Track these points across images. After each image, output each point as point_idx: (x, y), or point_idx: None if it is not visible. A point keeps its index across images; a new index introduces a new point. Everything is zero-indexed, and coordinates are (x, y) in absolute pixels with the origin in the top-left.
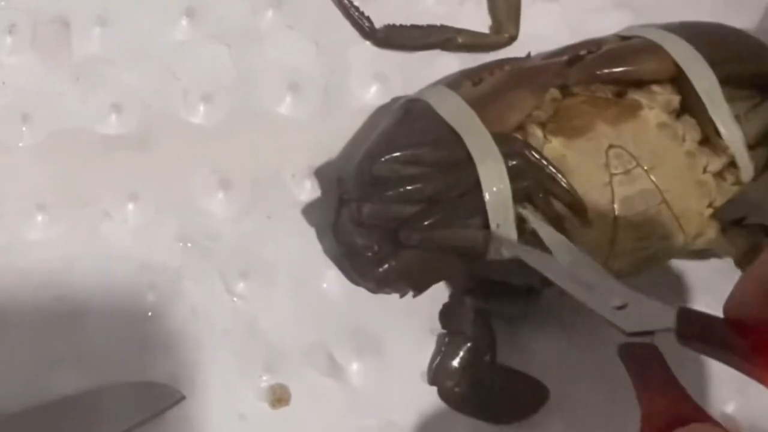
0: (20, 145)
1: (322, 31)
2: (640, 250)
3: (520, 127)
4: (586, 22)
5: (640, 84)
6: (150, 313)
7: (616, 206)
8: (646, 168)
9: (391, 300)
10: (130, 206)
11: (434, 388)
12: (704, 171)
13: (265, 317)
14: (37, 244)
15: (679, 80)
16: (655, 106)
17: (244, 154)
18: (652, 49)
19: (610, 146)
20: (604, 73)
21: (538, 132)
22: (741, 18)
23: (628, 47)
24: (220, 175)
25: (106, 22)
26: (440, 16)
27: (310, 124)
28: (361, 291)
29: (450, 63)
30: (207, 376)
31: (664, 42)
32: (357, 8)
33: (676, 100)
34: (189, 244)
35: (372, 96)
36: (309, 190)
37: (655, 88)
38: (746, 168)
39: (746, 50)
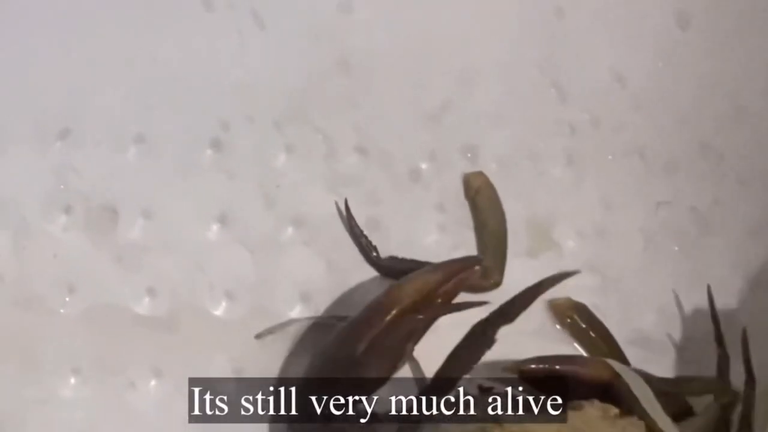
0: (61, 311)
1: (334, 251)
2: None
3: None
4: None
5: (579, 390)
6: None
7: None
8: None
9: None
10: (153, 381)
11: None
12: None
13: None
14: (69, 402)
15: (617, 389)
16: (594, 408)
17: (258, 348)
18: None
19: None
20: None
21: None
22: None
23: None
24: (235, 364)
25: (150, 216)
26: (437, 255)
27: (317, 331)
28: None
29: None
30: None
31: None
32: (366, 237)
33: (613, 409)
34: (204, 424)
35: None
36: None
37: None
38: None
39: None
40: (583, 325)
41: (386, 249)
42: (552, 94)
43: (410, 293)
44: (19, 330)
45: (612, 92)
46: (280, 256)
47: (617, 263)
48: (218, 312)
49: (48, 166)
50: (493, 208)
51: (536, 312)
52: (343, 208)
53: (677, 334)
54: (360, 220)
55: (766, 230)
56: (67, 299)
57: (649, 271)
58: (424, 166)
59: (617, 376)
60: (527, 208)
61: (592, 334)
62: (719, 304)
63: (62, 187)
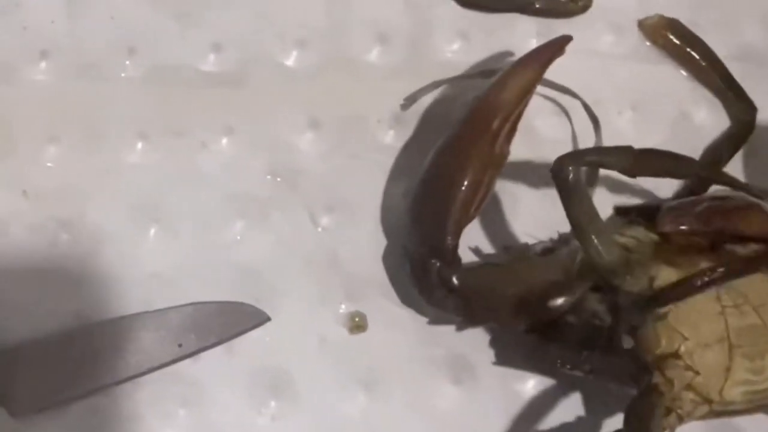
0: (122, 75)
1: None
2: (753, 384)
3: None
4: None
5: (740, 239)
6: (239, 237)
7: (729, 335)
8: (754, 306)
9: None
10: (225, 140)
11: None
12: None
13: (346, 249)
14: (135, 167)
15: None
16: None
17: (333, 97)
18: (756, 208)
19: None
20: (712, 227)
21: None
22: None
23: (734, 203)
24: (310, 115)
25: None
26: None
27: (396, 74)
28: None
29: (527, 26)
30: (290, 301)
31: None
32: None
33: None
34: (278, 178)
35: (454, 52)
36: (392, 135)
37: (753, 245)
38: None
39: None
40: (678, 42)
41: None
42: None
43: (512, 99)
44: (79, 98)
45: None
46: None
47: None
48: (289, 62)
49: None
50: None
51: (627, 33)
52: None
53: None
54: None
55: None
56: (128, 63)
57: None
58: None
59: None
60: None
61: (689, 51)
62: None
63: None
